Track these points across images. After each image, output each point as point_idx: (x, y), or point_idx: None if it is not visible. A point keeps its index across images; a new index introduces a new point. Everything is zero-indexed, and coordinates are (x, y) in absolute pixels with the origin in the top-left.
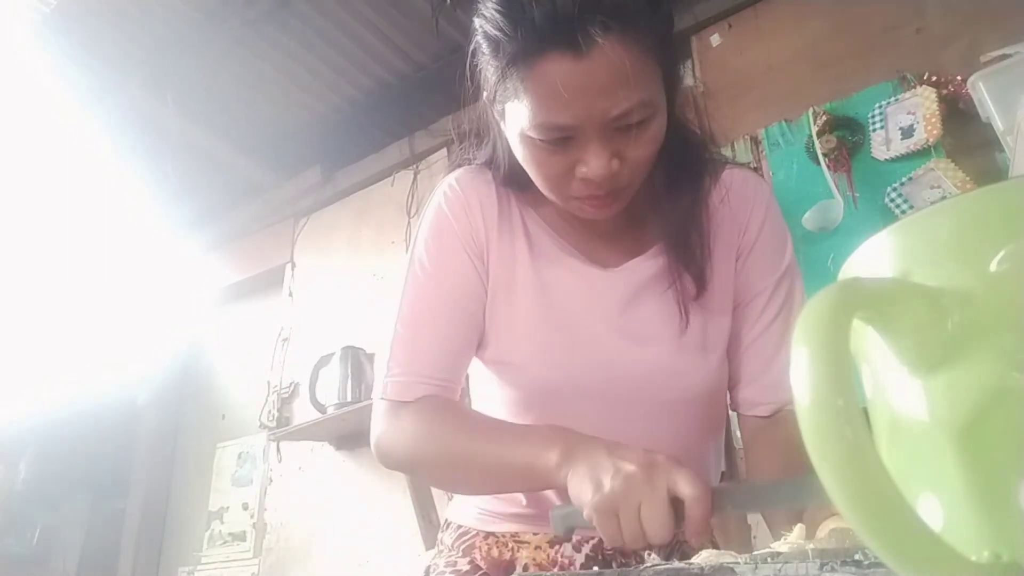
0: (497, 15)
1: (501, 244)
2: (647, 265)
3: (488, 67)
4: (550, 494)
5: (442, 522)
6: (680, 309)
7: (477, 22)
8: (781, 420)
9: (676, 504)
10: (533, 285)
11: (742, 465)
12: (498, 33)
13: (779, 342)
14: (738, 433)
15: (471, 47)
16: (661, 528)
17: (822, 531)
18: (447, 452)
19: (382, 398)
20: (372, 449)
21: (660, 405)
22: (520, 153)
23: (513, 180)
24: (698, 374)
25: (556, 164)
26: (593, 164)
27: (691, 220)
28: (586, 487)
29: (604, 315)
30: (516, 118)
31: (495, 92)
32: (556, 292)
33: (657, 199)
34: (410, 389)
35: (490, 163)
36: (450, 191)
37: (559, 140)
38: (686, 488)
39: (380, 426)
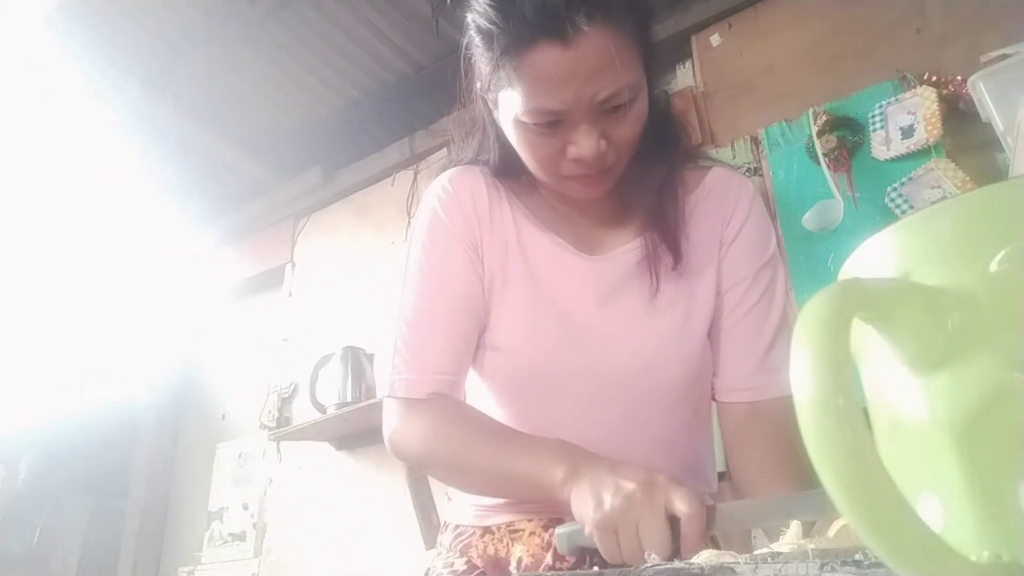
0: (489, 9)
1: (493, 236)
2: (632, 254)
3: (481, 59)
4: None
5: (441, 524)
6: (652, 276)
7: (470, 17)
8: (761, 411)
9: (675, 521)
10: (522, 273)
11: None
12: (490, 26)
13: (759, 329)
14: None
15: (464, 42)
16: (658, 545)
17: (831, 531)
18: (455, 455)
19: (392, 396)
20: (386, 444)
21: (643, 391)
22: (514, 138)
23: (503, 170)
24: (680, 360)
25: (548, 146)
26: (583, 144)
27: (665, 188)
28: (587, 505)
29: (590, 301)
30: (509, 105)
31: (489, 82)
32: (544, 279)
33: (637, 175)
34: (419, 386)
35: (478, 159)
36: (443, 192)
37: (550, 124)
38: (682, 506)
39: (392, 423)
